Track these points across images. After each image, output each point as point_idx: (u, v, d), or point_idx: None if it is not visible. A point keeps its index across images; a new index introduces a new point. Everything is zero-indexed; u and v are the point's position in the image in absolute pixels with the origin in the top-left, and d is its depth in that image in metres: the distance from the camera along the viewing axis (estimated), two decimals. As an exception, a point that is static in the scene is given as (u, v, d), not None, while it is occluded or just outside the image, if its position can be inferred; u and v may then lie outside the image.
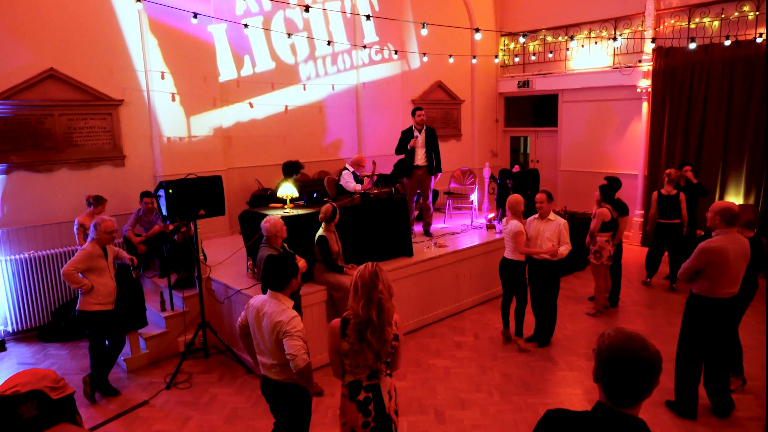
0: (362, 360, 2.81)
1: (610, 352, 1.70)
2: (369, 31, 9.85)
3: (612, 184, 6.73)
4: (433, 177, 7.67)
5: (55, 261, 6.58)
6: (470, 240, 7.46)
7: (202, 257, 6.03)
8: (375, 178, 7.76)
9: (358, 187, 6.99)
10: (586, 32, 10.32)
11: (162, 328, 5.93)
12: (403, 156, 7.62)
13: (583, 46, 10.39)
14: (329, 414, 4.66)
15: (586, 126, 10.71)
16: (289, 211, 5.88)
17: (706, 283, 4.22)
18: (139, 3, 6.11)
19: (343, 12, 9.55)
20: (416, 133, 7.44)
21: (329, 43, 8.53)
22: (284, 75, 9.08)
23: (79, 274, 4.81)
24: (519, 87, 11.56)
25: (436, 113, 10.88)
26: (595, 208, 6.65)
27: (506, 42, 11.88)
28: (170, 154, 7.62)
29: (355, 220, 6.14)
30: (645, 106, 9.61)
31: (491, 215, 8.50)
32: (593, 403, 1.78)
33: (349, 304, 2.84)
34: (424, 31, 7.65)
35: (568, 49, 10.62)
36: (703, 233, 7.41)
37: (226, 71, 8.39)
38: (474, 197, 9.22)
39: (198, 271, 5.82)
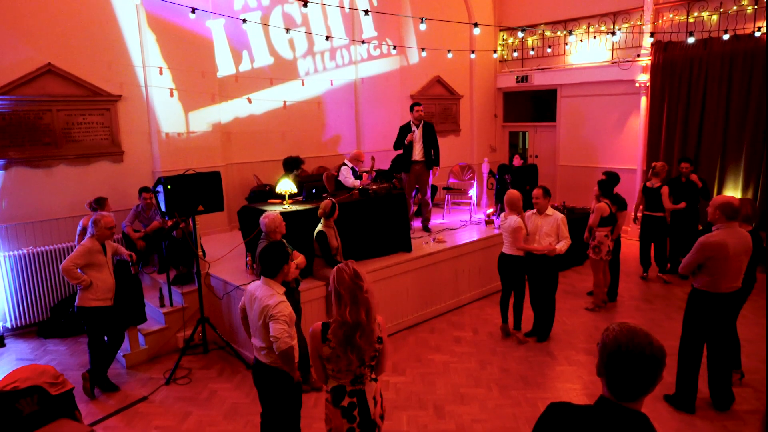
0: (344, 365, 2.73)
1: (614, 346, 1.69)
2: (367, 26, 9.82)
3: (610, 179, 6.73)
4: (431, 171, 7.67)
5: (54, 257, 6.57)
6: (469, 235, 7.47)
7: (201, 253, 6.02)
8: (374, 173, 7.76)
9: (357, 182, 6.99)
10: (584, 27, 10.30)
11: (161, 324, 5.94)
12: (401, 151, 7.61)
13: (581, 40, 10.38)
14: (329, 409, 4.67)
15: (584, 121, 10.71)
16: (288, 207, 5.88)
17: (708, 277, 4.22)
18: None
19: (342, 7, 9.52)
20: (414, 128, 7.44)
21: (328, 38, 8.51)
22: (283, 70, 9.06)
23: (78, 270, 4.81)
24: (518, 82, 11.55)
25: (434, 108, 10.86)
26: (593, 203, 6.65)
27: (505, 37, 11.85)
28: (169, 149, 7.60)
29: (353, 215, 6.14)
30: (644, 101, 9.61)
31: (490, 210, 8.50)
32: (592, 398, 1.79)
33: (334, 314, 2.73)
34: (422, 26, 7.62)
35: (566, 43, 10.60)
36: (702, 228, 7.43)
37: (225, 66, 8.36)
38: (473, 192, 9.21)
39: (197, 267, 5.83)
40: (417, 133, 7.44)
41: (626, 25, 9.71)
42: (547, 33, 10.86)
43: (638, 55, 9.51)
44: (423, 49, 9.43)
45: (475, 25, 8.10)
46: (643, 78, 9.45)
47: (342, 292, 2.70)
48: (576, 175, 10.91)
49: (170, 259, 6.32)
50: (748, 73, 8.28)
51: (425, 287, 6.62)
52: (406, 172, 7.63)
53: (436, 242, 7.04)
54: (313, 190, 6.46)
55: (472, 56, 10.68)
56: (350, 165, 7.21)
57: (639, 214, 8.00)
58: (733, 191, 8.57)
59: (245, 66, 8.63)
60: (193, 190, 5.43)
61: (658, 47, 9.20)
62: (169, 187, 5.23)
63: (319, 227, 5.44)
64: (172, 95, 7.58)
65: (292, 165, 7.09)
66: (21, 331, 6.50)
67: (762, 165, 8.25)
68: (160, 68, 7.43)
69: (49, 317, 6.56)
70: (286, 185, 6.07)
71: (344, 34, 9.73)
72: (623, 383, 1.69)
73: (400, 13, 9.67)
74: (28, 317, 6.50)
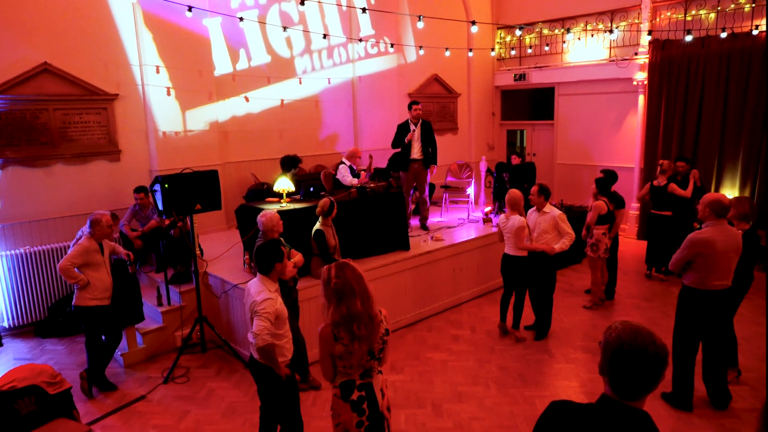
0: (356, 359, 2.77)
1: (617, 345, 1.70)
2: (365, 24, 9.81)
3: (608, 177, 6.74)
4: (428, 170, 7.67)
5: (51, 256, 6.55)
6: (467, 233, 7.47)
7: (198, 252, 6.02)
8: (372, 171, 7.76)
9: (355, 181, 6.98)
10: (582, 25, 10.30)
11: (159, 323, 5.93)
12: (399, 150, 7.61)
13: (579, 38, 10.38)
14: (327, 407, 4.67)
15: (582, 119, 10.71)
16: (286, 206, 5.88)
17: (697, 274, 4.26)
18: (133, -4, 6.06)
19: (339, 5, 9.51)
20: (412, 127, 7.44)
21: (325, 36, 8.49)
22: (280, 69, 9.04)
23: (76, 270, 4.80)
24: (515, 80, 11.55)
25: (432, 107, 10.86)
26: (591, 201, 6.66)
27: (502, 35, 11.84)
28: (166, 148, 7.58)
29: (351, 214, 6.14)
30: (641, 99, 9.62)
31: (488, 209, 8.51)
32: (590, 395, 1.79)
33: (332, 313, 2.75)
34: (420, 24, 7.62)
35: (564, 41, 10.60)
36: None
37: (222, 65, 8.35)
38: (471, 191, 9.22)
39: (195, 266, 5.82)
40: (416, 132, 7.44)
41: (624, 23, 9.72)
42: (545, 31, 10.86)
43: (636, 54, 9.52)
44: (420, 47, 9.42)
45: (473, 23, 8.10)
46: (641, 76, 9.46)
47: (335, 291, 2.73)
48: (574, 174, 10.92)
49: (168, 258, 6.32)
50: (746, 71, 8.29)
51: (423, 285, 6.62)
52: (404, 170, 7.63)
53: (434, 240, 7.05)
54: (311, 189, 6.46)
55: (470, 54, 10.67)
56: (348, 163, 7.21)
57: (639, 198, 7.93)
58: (731, 189, 8.59)
59: (242, 64, 8.61)
60: (191, 189, 5.42)
61: (656, 45, 9.21)
62: (166, 186, 5.22)
63: (317, 226, 5.43)
64: (169, 94, 7.56)
65: (289, 164, 7.08)
66: (18, 331, 6.49)
67: (759, 163, 8.26)
68: (157, 67, 7.41)
69: (46, 317, 6.54)
70: (284, 184, 6.06)
71: (341, 32, 9.71)
72: (626, 382, 1.69)
73: (398, 11, 9.65)
74: (25, 317, 6.48)
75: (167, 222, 6.25)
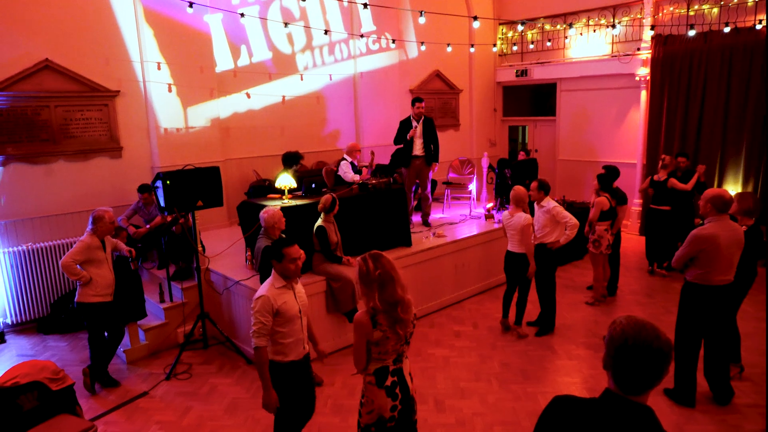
0: (392, 345, 2.85)
1: (621, 339, 1.69)
2: (366, 20, 9.78)
3: (610, 173, 6.72)
4: (431, 166, 7.66)
5: (53, 253, 6.56)
6: (469, 230, 7.46)
7: (200, 248, 6.02)
8: (374, 167, 7.75)
9: (357, 177, 6.97)
10: (584, 20, 10.25)
11: (161, 320, 5.94)
12: (401, 146, 7.60)
13: (581, 34, 10.33)
14: (329, 403, 4.68)
15: (584, 115, 10.68)
16: (288, 202, 5.87)
17: (699, 270, 4.25)
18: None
19: (340, 1, 9.48)
20: (414, 123, 7.42)
21: (326, 32, 8.46)
22: (281, 65, 9.03)
23: (78, 266, 4.80)
24: (517, 76, 11.51)
25: (434, 103, 10.83)
26: (593, 197, 6.64)
27: (504, 30, 11.81)
28: (167, 145, 7.58)
29: (353, 210, 6.13)
30: (644, 95, 9.58)
31: (490, 205, 8.50)
32: (592, 391, 1.79)
33: (376, 301, 2.80)
34: (421, 20, 7.59)
35: (566, 37, 10.56)
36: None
37: (223, 61, 8.33)
38: (472, 187, 9.20)
39: (197, 263, 5.83)
40: (418, 129, 7.43)
41: (626, 18, 9.67)
42: (547, 26, 10.81)
43: (638, 49, 9.47)
44: (422, 43, 9.40)
45: (475, 18, 8.07)
46: (643, 71, 9.42)
47: (378, 280, 2.79)
48: (576, 170, 10.89)
49: (170, 254, 6.32)
50: (749, 66, 8.25)
51: (425, 282, 6.61)
52: (406, 166, 7.62)
53: (436, 237, 7.04)
54: (313, 185, 6.45)
55: (472, 50, 10.63)
56: (349, 159, 7.20)
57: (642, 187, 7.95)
58: (734, 185, 8.56)
59: (244, 61, 8.60)
60: (193, 186, 5.41)
61: (658, 40, 9.16)
62: (168, 182, 5.22)
63: (319, 222, 5.43)
64: (170, 90, 7.55)
65: (291, 160, 7.07)
66: (21, 327, 6.50)
67: (762, 158, 8.23)
68: (158, 63, 7.40)
69: (49, 313, 6.56)
70: (286, 180, 6.06)
71: (343, 28, 9.69)
72: (630, 376, 1.69)
73: (399, 6, 9.62)
74: (28, 313, 6.50)
75: (169, 218, 6.25)
